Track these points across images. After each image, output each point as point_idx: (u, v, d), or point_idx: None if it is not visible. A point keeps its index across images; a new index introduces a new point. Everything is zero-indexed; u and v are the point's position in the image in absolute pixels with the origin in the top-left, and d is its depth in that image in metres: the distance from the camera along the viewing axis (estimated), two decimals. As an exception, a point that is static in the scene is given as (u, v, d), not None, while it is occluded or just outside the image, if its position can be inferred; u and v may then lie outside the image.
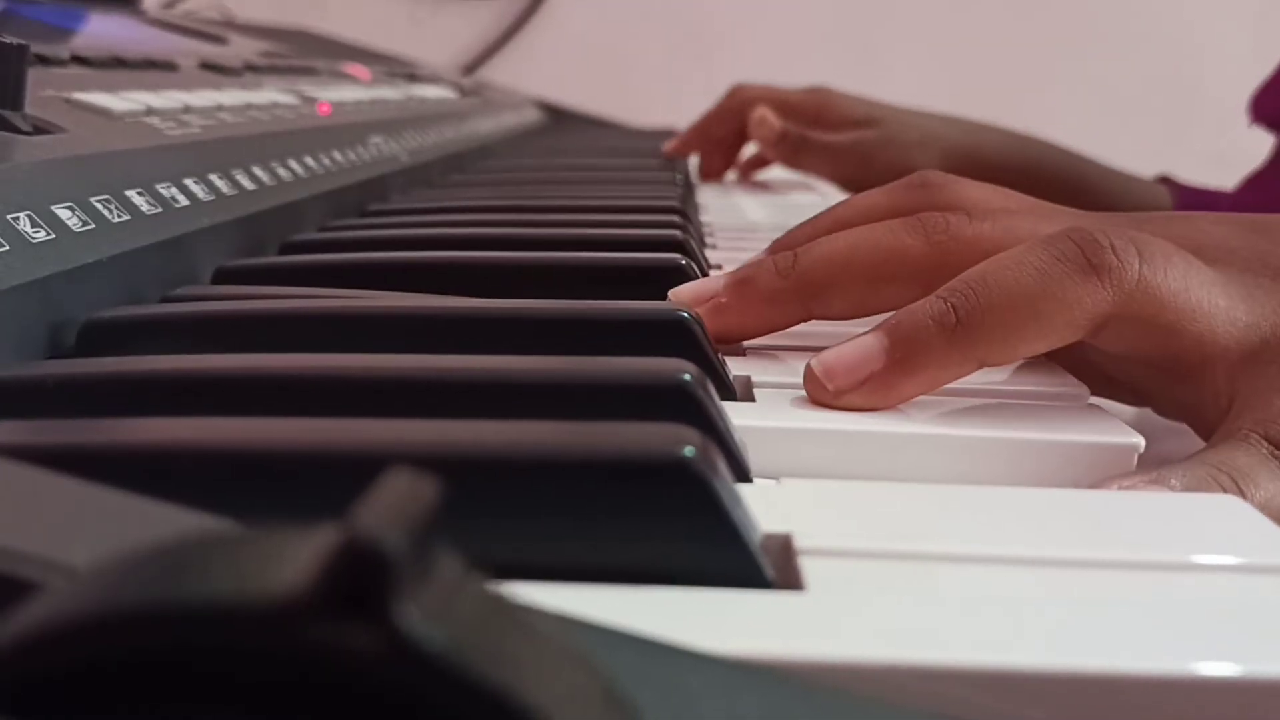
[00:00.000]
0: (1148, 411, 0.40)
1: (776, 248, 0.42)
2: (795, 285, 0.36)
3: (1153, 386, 0.37)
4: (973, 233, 0.35)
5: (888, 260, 0.36)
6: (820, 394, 0.32)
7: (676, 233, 0.50)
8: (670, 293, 0.38)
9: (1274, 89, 0.91)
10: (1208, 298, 0.32)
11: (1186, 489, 0.28)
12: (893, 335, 0.32)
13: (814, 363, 0.32)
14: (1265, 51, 0.94)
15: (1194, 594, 0.21)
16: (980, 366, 0.32)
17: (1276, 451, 0.30)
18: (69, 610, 0.11)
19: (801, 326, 0.38)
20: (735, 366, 0.35)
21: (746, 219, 0.76)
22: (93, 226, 0.35)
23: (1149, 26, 1.73)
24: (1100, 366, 0.37)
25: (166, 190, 0.41)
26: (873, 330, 0.32)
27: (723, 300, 0.37)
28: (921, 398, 0.33)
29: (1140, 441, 0.30)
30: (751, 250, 0.62)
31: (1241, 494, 0.29)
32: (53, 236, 0.33)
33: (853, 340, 0.32)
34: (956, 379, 0.32)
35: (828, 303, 0.37)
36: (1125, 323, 0.32)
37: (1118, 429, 0.31)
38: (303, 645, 0.10)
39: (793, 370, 0.36)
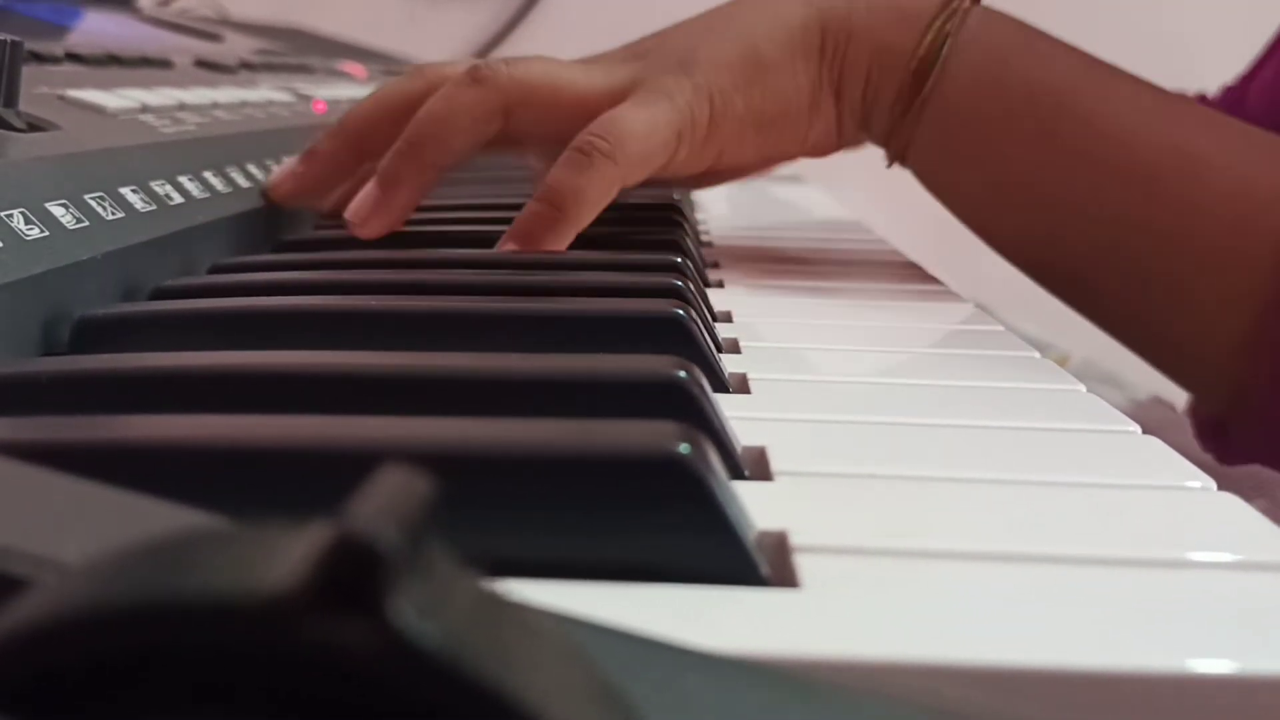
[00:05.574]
0: (1142, 404, 0.40)
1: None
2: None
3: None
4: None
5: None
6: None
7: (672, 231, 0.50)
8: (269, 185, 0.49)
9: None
10: (566, 72, 0.48)
11: None
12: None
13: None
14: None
15: (1190, 591, 0.21)
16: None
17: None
18: (60, 607, 0.11)
19: (800, 326, 0.39)
20: (731, 363, 0.35)
21: (742, 214, 0.77)
22: (87, 224, 0.35)
23: (1148, 26, 1.73)
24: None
25: (161, 188, 0.41)
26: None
27: (299, 169, 0.49)
28: (917, 390, 0.34)
29: (1136, 429, 0.31)
30: (745, 246, 0.62)
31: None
32: (47, 234, 0.33)
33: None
34: None
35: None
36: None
37: (1114, 418, 0.31)
38: (296, 641, 0.10)
39: (789, 364, 0.36)
